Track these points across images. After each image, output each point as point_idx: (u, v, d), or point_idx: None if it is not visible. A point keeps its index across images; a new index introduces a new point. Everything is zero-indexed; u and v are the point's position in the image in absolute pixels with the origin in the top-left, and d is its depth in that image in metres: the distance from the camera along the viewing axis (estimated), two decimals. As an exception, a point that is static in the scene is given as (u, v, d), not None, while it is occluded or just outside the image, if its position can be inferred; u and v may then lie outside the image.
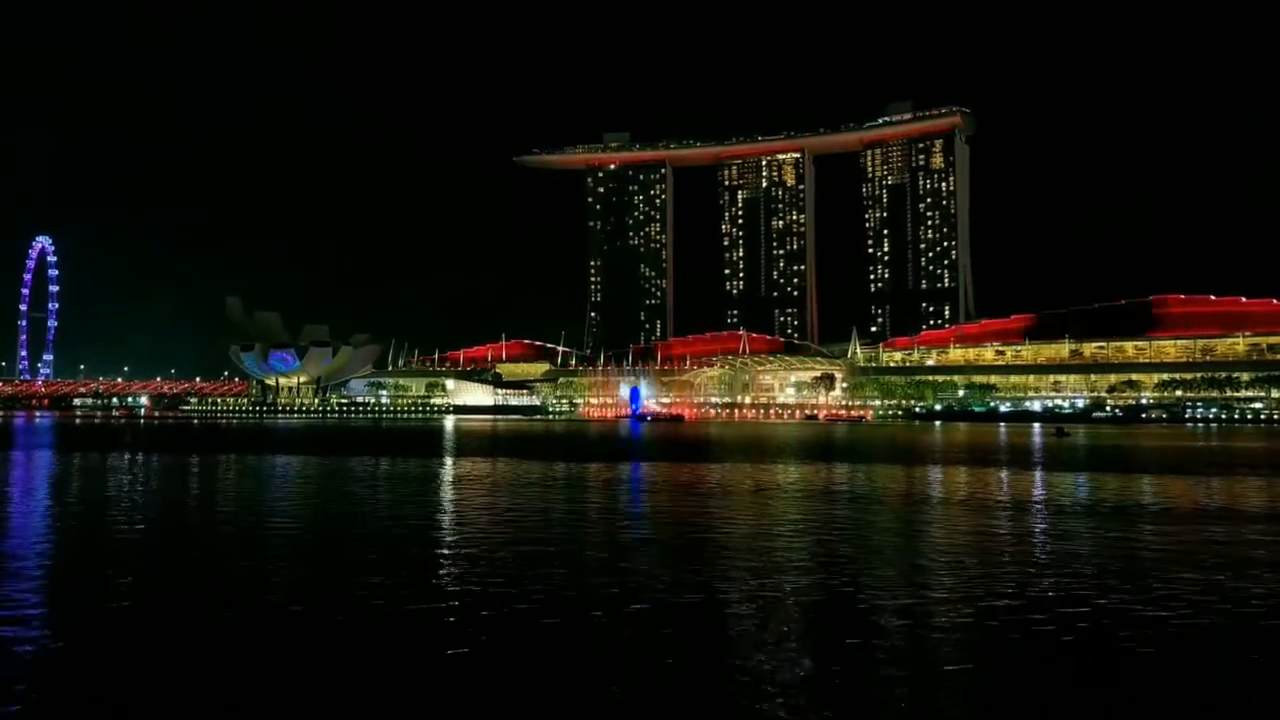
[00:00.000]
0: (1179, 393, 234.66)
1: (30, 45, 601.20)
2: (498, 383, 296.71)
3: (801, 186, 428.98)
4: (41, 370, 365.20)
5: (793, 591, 19.07)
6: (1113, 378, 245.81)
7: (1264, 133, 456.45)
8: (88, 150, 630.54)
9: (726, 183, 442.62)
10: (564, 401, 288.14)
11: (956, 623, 16.48)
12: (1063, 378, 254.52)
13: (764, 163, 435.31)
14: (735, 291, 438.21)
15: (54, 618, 16.84)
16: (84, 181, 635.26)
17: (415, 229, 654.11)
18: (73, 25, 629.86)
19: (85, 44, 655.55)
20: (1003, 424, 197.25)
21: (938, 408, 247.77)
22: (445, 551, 24.16)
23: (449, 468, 55.84)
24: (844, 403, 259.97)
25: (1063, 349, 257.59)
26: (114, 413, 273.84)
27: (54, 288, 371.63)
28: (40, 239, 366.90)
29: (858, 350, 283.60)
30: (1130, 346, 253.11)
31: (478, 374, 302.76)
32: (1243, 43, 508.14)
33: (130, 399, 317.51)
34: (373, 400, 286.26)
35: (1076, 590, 19.02)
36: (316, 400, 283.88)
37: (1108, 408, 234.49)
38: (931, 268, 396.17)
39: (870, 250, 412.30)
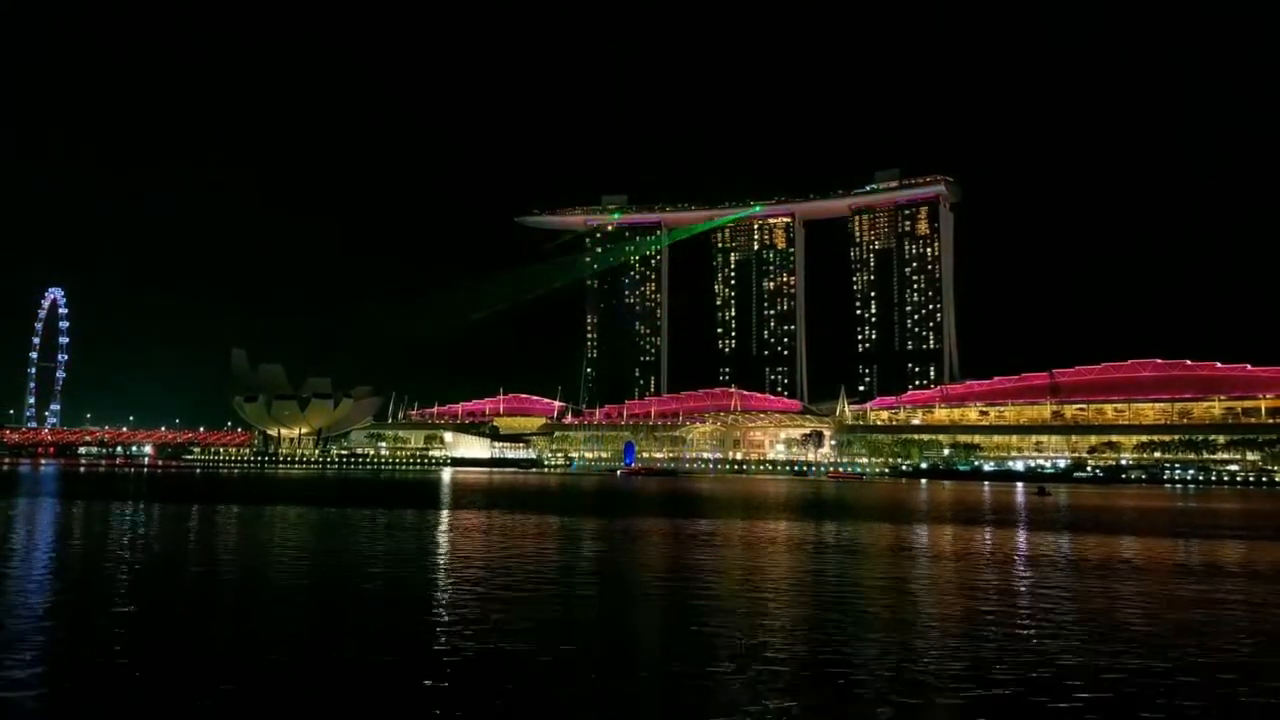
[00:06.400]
0: (1158, 454, 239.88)
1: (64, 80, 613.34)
2: (495, 436, 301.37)
3: (792, 249, 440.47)
4: (49, 419, 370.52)
5: (787, 650, 19.05)
6: (1093, 439, 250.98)
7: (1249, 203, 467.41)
8: (100, 196, 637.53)
9: (720, 245, 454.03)
10: (559, 455, 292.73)
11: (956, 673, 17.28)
12: (1044, 438, 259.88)
13: (756, 226, 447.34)
14: (727, 349, 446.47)
15: (46, 675, 16.41)
16: (95, 229, 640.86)
17: (416, 284, 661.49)
18: (81, 54, 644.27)
19: (105, 71, 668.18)
20: (986, 482, 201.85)
21: (923, 466, 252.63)
22: (434, 607, 24.13)
23: (445, 520, 56.00)
24: (833, 459, 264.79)
25: (1044, 410, 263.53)
26: (117, 461, 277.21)
27: (64, 339, 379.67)
28: (53, 290, 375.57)
29: (846, 409, 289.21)
30: (1110, 409, 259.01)
31: (475, 427, 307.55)
32: (1231, 107, 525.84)
33: (135, 448, 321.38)
34: (372, 452, 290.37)
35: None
36: (317, 451, 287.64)
37: (1088, 468, 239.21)
38: (917, 329, 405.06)
39: (858, 312, 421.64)
